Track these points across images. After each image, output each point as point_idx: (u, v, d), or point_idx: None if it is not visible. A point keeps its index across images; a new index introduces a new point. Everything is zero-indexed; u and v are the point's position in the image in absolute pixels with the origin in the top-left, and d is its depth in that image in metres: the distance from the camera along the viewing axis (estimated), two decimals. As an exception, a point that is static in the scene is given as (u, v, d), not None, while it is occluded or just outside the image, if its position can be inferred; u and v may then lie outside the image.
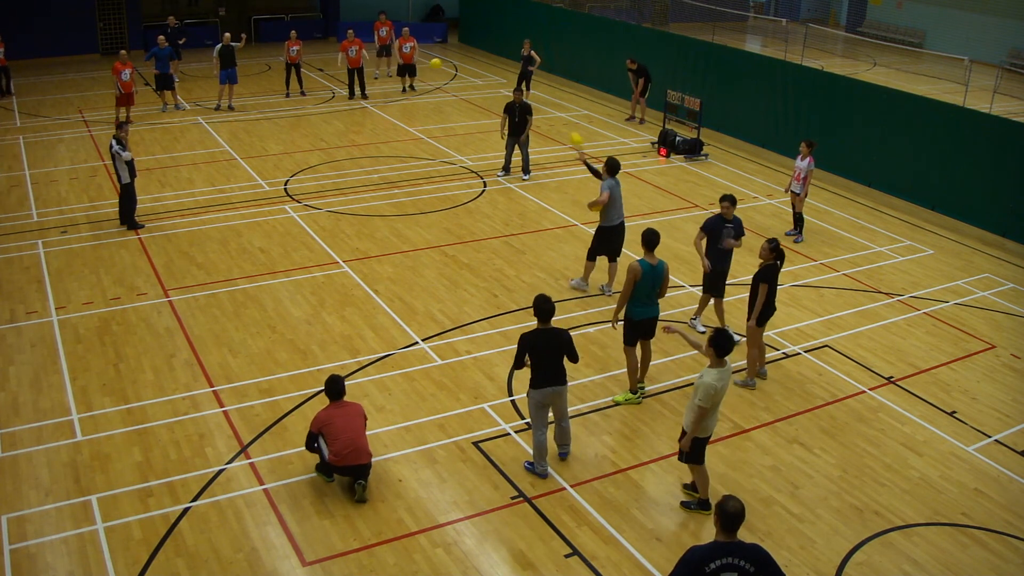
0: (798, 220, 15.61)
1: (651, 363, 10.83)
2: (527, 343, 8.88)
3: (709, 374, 8.33)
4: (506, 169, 18.18)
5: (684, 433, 8.58)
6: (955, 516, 8.95)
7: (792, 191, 15.44)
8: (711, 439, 8.84)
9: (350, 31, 24.08)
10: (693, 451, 8.59)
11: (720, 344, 8.33)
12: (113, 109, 21.29)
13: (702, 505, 8.84)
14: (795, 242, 15.45)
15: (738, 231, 11.64)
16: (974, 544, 8.59)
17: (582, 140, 13.21)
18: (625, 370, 11.12)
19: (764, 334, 11.19)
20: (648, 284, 10.16)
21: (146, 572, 7.86)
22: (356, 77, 23.98)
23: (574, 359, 9.07)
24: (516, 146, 17.80)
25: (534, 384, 8.95)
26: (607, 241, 13.02)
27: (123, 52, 20.94)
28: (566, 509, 8.79)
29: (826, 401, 10.81)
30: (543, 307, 8.92)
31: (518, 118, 17.36)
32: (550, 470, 9.28)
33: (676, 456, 9.61)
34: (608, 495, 9.01)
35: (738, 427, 10.21)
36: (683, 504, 8.92)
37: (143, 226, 15.16)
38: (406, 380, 10.91)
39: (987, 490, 9.36)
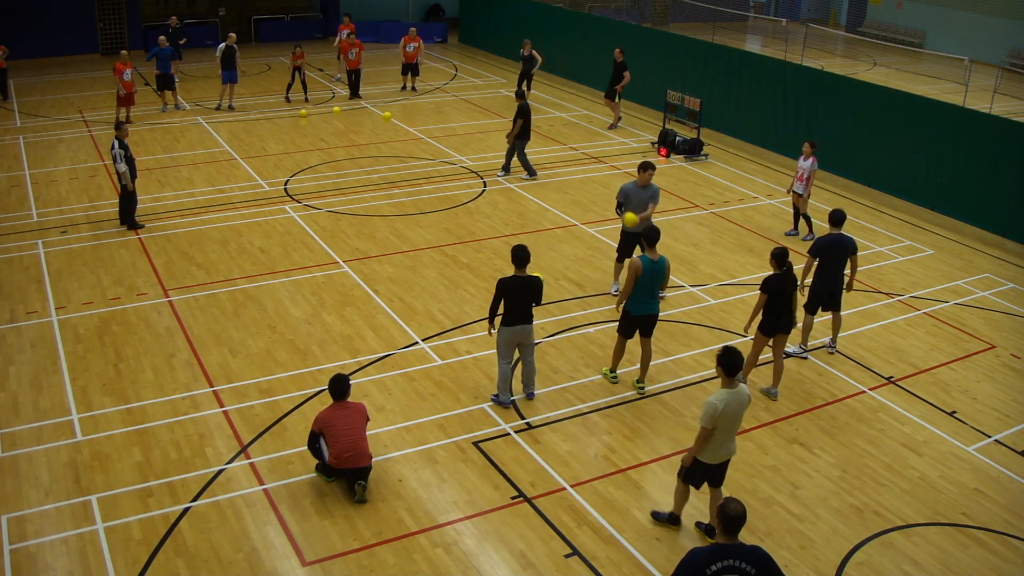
0: (806, 220, 15.61)
1: (651, 363, 10.82)
2: (504, 286, 9.84)
3: (715, 393, 7.85)
4: (506, 169, 18.21)
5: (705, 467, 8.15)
6: (955, 516, 8.94)
7: (794, 191, 15.43)
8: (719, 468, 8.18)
9: (350, 35, 24.08)
10: (689, 470, 8.16)
11: (725, 363, 7.70)
12: (113, 109, 21.30)
13: (672, 519, 8.55)
14: (804, 239, 15.52)
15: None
16: (974, 544, 8.59)
17: (636, 219, 12.76)
18: (628, 369, 11.14)
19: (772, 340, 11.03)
20: (648, 280, 10.24)
21: (146, 572, 7.86)
22: (353, 78, 23.93)
23: (538, 302, 10.07)
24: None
25: (506, 322, 9.92)
26: (633, 244, 13.02)
27: (124, 52, 20.95)
28: (566, 509, 8.79)
29: (826, 401, 10.81)
30: (520, 255, 9.90)
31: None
32: (552, 471, 9.30)
33: (677, 455, 9.63)
34: (608, 495, 9.01)
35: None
36: (653, 514, 8.66)
37: (143, 226, 15.16)
38: (406, 380, 10.91)
39: (987, 490, 9.35)
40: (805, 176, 15.13)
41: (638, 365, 10.92)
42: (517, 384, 10.64)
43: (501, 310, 9.99)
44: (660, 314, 10.74)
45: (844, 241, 11.51)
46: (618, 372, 10.95)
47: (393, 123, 21.88)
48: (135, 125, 20.59)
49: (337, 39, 25.12)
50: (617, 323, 10.80)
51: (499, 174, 18.23)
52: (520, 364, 10.48)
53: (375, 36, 32.63)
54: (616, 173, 18.76)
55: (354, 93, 24.10)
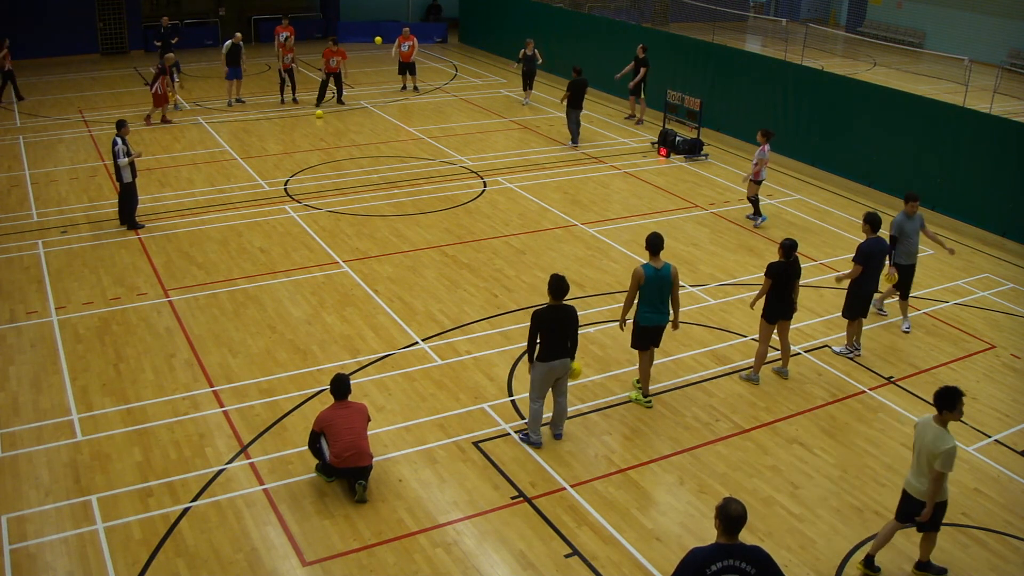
0: (755, 202, 16.36)
1: (652, 363, 10.74)
2: (542, 319, 9.19)
3: (948, 437, 7.52)
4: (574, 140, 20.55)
5: (910, 501, 7.89)
6: (955, 516, 8.93)
7: (753, 180, 16.07)
8: None
9: (331, 42, 23.68)
10: (937, 518, 7.87)
11: (944, 399, 7.56)
12: (112, 109, 21.31)
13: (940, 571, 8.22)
14: (755, 226, 16.21)
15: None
16: (974, 544, 8.58)
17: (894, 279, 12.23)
18: (628, 369, 11.15)
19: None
20: (654, 288, 9.99)
21: (146, 572, 7.86)
22: (333, 82, 23.43)
23: (575, 341, 9.41)
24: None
25: (543, 357, 9.24)
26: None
27: (171, 55, 21.50)
28: (566, 509, 8.79)
29: (826, 401, 10.81)
30: (559, 286, 9.25)
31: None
32: (552, 471, 9.30)
33: (677, 455, 9.64)
34: (608, 495, 9.01)
35: (738, 427, 10.20)
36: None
37: (143, 226, 15.16)
38: (406, 380, 10.91)
39: (987, 490, 9.35)
40: (763, 162, 15.84)
41: (637, 366, 10.91)
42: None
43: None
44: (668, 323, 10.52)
45: (884, 245, 11.51)
46: (624, 377, 10.93)
47: (394, 123, 21.89)
48: (135, 125, 20.60)
49: (276, 41, 24.73)
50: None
51: (570, 144, 20.49)
52: (553, 404, 9.75)
53: (375, 36, 32.59)
54: (616, 173, 18.77)
55: (340, 98, 23.79)
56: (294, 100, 23.30)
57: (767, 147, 15.75)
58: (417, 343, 11.75)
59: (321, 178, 17.88)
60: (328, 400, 9.28)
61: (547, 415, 9.94)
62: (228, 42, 22.61)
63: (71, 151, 19.23)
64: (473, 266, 14.06)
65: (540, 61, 24.03)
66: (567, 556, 8.20)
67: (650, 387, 10.77)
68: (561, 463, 9.44)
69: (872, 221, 11.40)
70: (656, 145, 20.52)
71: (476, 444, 9.70)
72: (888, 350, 12.00)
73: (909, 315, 12.63)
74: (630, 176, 18.62)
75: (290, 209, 16.17)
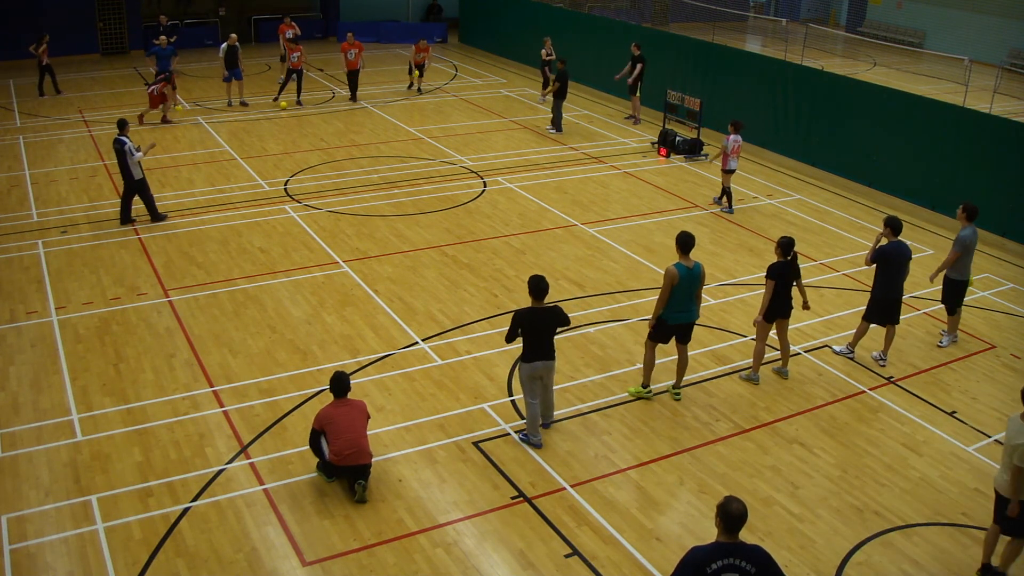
0: (725, 192, 16.89)
1: (655, 363, 10.67)
2: (522, 320, 9.25)
3: None
4: (557, 126, 21.45)
5: (999, 498, 7.81)
6: (955, 516, 8.94)
7: (730, 169, 16.58)
8: None
9: (349, 33, 23.84)
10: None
11: None
12: (112, 109, 21.30)
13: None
14: (724, 211, 16.82)
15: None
16: (974, 544, 8.58)
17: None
18: (628, 369, 11.14)
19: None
20: (686, 287, 9.98)
21: (146, 572, 7.86)
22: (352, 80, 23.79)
23: (567, 322, 9.55)
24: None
25: (526, 359, 9.34)
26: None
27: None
28: (566, 509, 8.79)
29: (826, 401, 10.81)
30: (539, 286, 9.28)
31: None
32: (552, 471, 9.31)
33: (677, 455, 9.64)
34: (608, 495, 9.01)
35: (738, 427, 10.20)
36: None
37: (137, 221, 15.21)
38: (406, 380, 10.91)
39: (987, 490, 9.32)
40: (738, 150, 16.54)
41: (639, 365, 10.92)
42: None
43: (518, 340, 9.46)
44: (696, 321, 10.45)
45: (904, 249, 11.19)
46: (623, 377, 10.93)
47: (394, 123, 21.89)
48: (135, 125, 20.59)
49: (282, 40, 24.66)
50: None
51: (549, 128, 21.43)
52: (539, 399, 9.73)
53: (375, 36, 32.66)
54: (616, 173, 18.77)
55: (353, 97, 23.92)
56: (298, 102, 23.24)
57: (731, 137, 16.36)
58: (417, 343, 11.75)
59: (321, 178, 17.88)
60: (328, 399, 9.28)
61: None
62: (224, 44, 22.57)
63: (71, 151, 19.23)
64: (473, 266, 14.07)
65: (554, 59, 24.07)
66: (567, 556, 8.20)
67: (652, 386, 10.78)
68: (561, 463, 9.44)
69: (892, 225, 11.21)
70: (656, 145, 20.52)
71: (476, 444, 9.71)
72: (888, 350, 11.99)
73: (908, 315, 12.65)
74: (630, 176, 18.62)
75: (290, 209, 16.17)
